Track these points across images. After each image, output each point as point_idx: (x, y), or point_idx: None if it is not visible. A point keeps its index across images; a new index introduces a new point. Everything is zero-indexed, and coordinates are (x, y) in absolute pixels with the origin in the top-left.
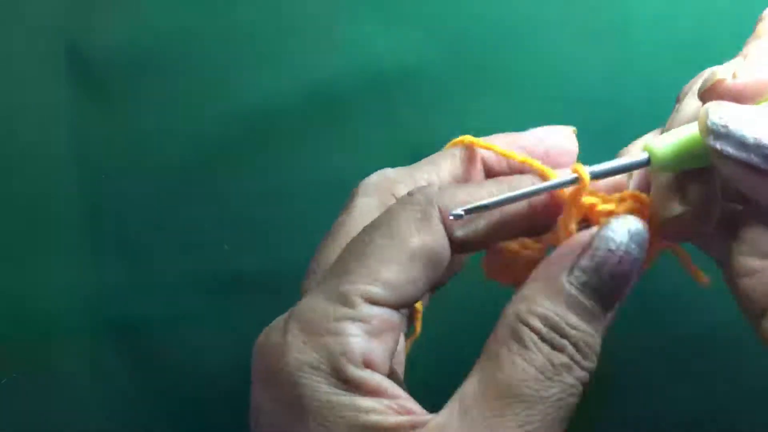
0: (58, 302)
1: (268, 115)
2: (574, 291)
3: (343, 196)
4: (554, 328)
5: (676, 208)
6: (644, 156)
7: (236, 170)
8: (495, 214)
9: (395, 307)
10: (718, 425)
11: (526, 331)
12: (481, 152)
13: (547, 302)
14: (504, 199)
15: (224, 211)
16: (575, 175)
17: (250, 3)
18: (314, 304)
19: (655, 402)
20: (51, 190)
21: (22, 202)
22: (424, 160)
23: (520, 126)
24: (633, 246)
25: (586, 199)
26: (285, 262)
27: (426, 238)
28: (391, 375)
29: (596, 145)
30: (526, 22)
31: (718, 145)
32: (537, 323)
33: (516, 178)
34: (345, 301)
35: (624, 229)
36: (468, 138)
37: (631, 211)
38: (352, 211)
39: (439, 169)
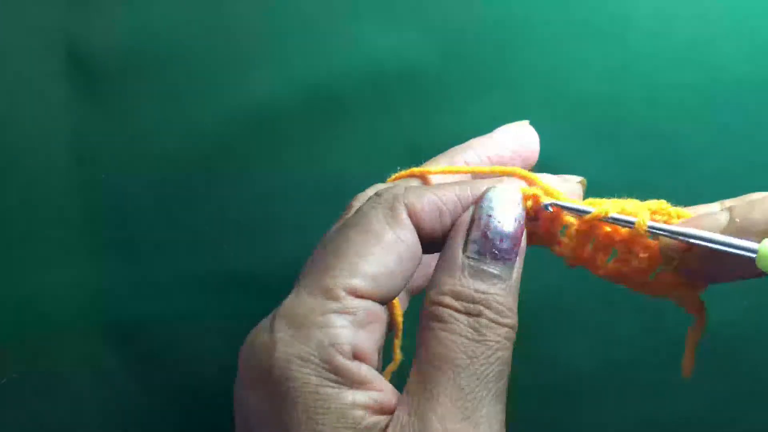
0: (58, 302)
1: (268, 115)
2: (472, 262)
3: (343, 196)
4: (465, 298)
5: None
6: (753, 251)
7: (236, 170)
8: (459, 207)
9: (377, 299)
10: (718, 425)
11: (441, 309)
12: (464, 155)
13: (452, 279)
14: (583, 210)
15: (224, 211)
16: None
17: (250, 3)
18: (299, 300)
19: (655, 402)
20: (51, 190)
21: (22, 202)
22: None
23: None
24: (508, 206)
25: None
26: (284, 262)
27: (398, 231)
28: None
29: (596, 145)
30: (526, 22)
31: None
32: (449, 300)
33: (483, 181)
34: (329, 294)
35: (498, 196)
36: (416, 170)
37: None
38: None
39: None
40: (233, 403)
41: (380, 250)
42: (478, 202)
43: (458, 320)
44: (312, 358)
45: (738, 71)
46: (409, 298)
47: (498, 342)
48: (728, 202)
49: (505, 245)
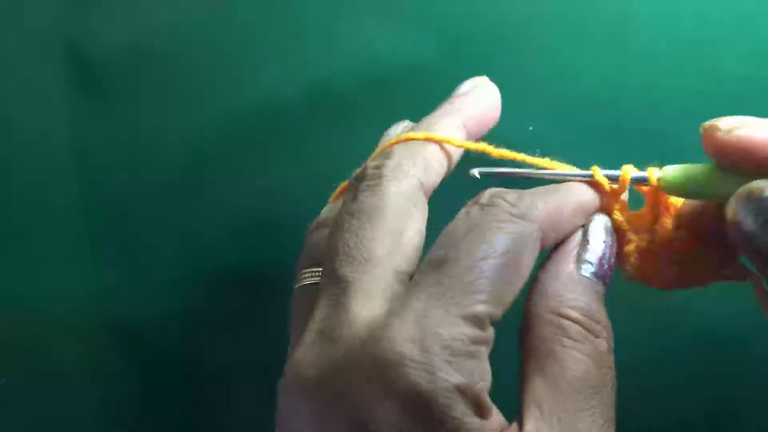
0: (58, 302)
1: (268, 114)
2: (591, 281)
3: None
4: (590, 316)
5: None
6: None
7: (236, 170)
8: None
9: None
10: (717, 425)
11: (569, 324)
12: (454, 119)
13: (575, 294)
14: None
15: (224, 210)
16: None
17: (250, 2)
18: (450, 321)
19: (655, 402)
20: (51, 190)
21: (22, 202)
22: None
23: (520, 125)
24: (611, 237)
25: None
26: (285, 262)
27: (530, 257)
28: None
29: (596, 145)
30: (526, 22)
31: (741, 216)
32: (577, 315)
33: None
34: (479, 323)
35: (604, 225)
36: (435, 137)
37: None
38: (386, 196)
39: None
40: (310, 403)
41: (517, 279)
42: (590, 227)
43: (587, 340)
44: (467, 390)
45: (738, 71)
46: None
47: (613, 366)
48: None
49: (608, 270)
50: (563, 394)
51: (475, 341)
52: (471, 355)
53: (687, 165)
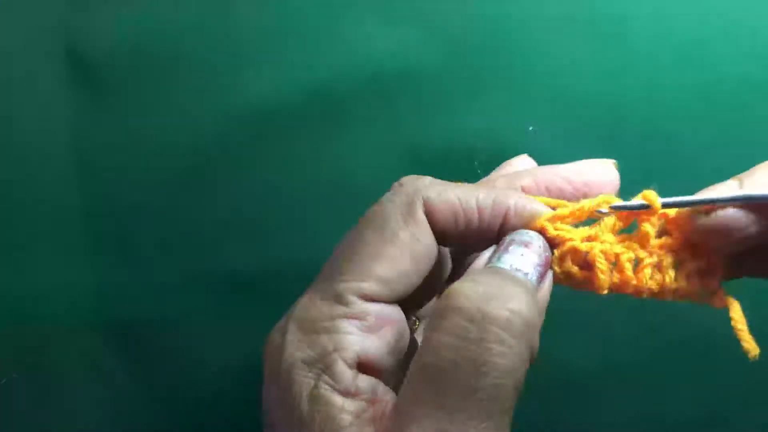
0: (58, 302)
1: (268, 115)
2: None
3: (343, 195)
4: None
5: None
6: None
7: (236, 170)
8: (475, 214)
9: (390, 301)
10: (717, 425)
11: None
12: (522, 181)
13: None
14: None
15: (224, 211)
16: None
17: (250, 3)
18: (310, 303)
19: (655, 402)
20: (51, 190)
21: (22, 202)
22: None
23: (520, 125)
24: (536, 253)
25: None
26: (285, 262)
27: (414, 230)
28: (392, 370)
29: (596, 145)
30: (526, 22)
31: None
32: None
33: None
34: (340, 299)
35: (530, 240)
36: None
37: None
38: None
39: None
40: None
41: (395, 251)
42: (507, 236)
43: (456, 329)
44: (315, 362)
45: (738, 71)
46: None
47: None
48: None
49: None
50: (424, 372)
51: (335, 317)
52: (325, 330)
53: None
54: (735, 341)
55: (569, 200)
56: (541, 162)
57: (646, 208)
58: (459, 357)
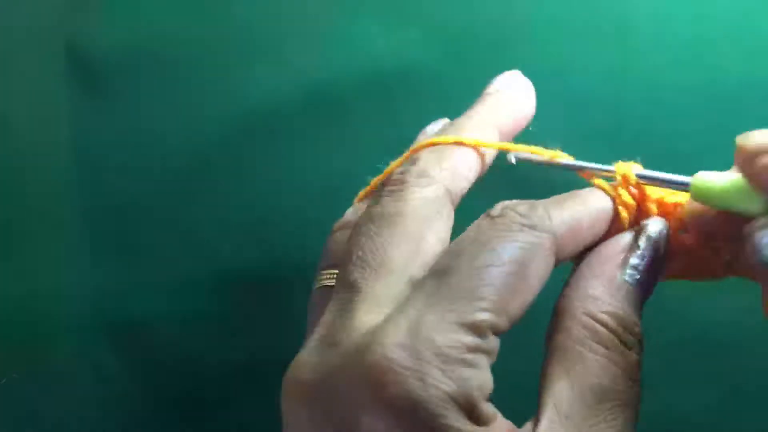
0: (58, 302)
1: (267, 115)
2: (631, 289)
3: (343, 195)
4: (626, 326)
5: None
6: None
7: (236, 170)
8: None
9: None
10: (718, 425)
11: (604, 331)
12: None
13: (615, 301)
14: (568, 165)
15: (224, 210)
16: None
17: (249, 3)
18: (446, 327)
19: (655, 402)
20: (51, 190)
21: (22, 202)
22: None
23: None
24: (665, 246)
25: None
26: (285, 262)
27: (541, 266)
28: None
29: (596, 145)
30: (526, 22)
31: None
32: (613, 323)
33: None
34: (478, 330)
35: (660, 232)
36: (467, 141)
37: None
38: (409, 202)
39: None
40: (303, 408)
41: (524, 288)
42: (644, 230)
43: (618, 350)
44: (459, 398)
45: (738, 71)
46: None
47: (638, 382)
48: None
49: (654, 280)
50: (585, 402)
51: (472, 350)
52: (466, 363)
53: (720, 175)
54: (734, 341)
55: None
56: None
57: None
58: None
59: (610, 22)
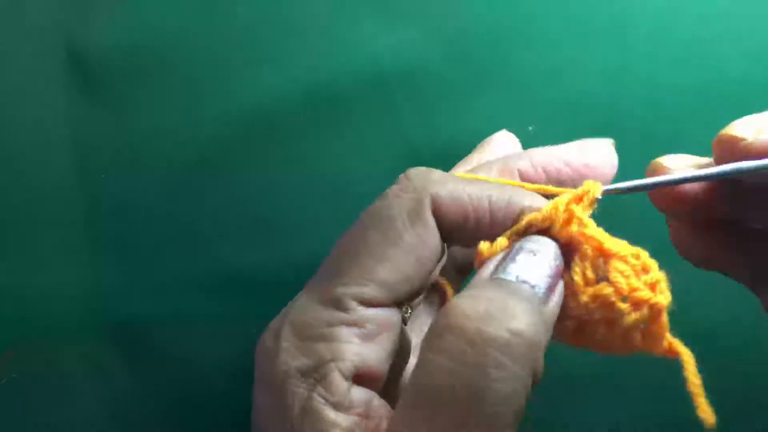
0: (58, 302)
1: (268, 115)
2: (504, 285)
3: (343, 195)
4: (478, 331)
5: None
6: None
7: (236, 170)
8: (487, 215)
9: (390, 305)
10: (718, 425)
11: (446, 334)
12: (518, 163)
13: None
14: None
15: (224, 211)
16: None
17: (249, 3)
18: (308, 306)
19: (655, 402)
20: (51, 190)
21: (22, 202)
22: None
23: (520, 126)
24: (549, 262)
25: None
26: (285, 262)
27: (420, 231)
28: (390, 378)
29: None
30: (526, 22)
31: None
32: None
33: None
34: (339, 304)
35: (542, 248)
36: (466, 176)
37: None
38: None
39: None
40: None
41: (399, 254)
42: (519, 240)
43: (462, 356)
44: (311, 372)
45: (738, 71)
46: (461, 278)
47: (487, 387)
48: None
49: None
50: (418, 395)
51: (333, 324)
52: (323, 338)
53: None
54: (734, 341)
55: (567, 184)
56: None
57: (641, 189)
58: (455, 381)
59: (609, 23)
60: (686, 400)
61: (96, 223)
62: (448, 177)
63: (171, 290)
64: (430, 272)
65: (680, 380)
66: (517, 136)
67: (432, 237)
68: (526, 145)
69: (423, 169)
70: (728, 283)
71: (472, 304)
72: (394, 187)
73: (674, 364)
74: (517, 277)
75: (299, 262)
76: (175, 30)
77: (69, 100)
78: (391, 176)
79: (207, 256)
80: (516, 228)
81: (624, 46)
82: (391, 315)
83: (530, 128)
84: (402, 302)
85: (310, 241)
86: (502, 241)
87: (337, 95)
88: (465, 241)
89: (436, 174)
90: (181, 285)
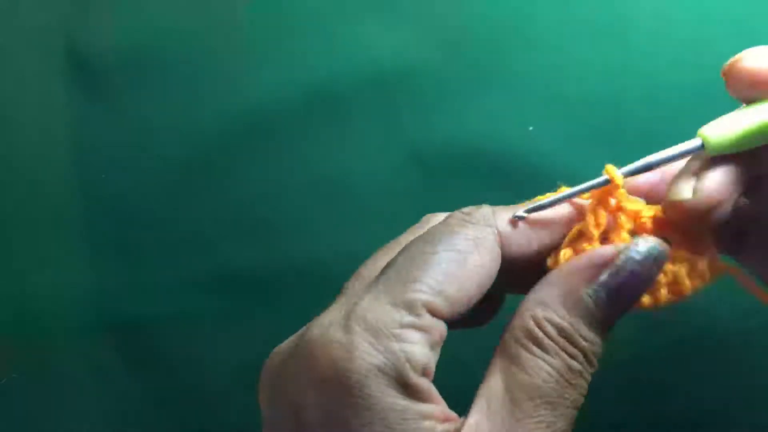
0: (58, 302)
1: (268, 114)
2: (591, 305)
3: (343, 195)
4: (569, 338)
5: (684, 193)
6: (697, 142)
7: (236, 170)
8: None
9: (447, 320)
10: (718, 426)
11: (542, 336)
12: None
13: (564, 312)
14: (553, 200)
15: (224, 211)
16: (606, 176)
17: (250, 3)
18: (379, 307)
19: (655, 402)
20: (51, 190)
21: (22, 202)
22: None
23: (520, 126)
24: (655, 270)
25: (631, 205)
26: (285, 262)
27: (484, 257)
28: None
29: (596, 145)
30: (526, 22)
31: None
32: (553, 332)
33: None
34: (411, 308)
35: (649, 252)
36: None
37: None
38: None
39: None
40: (263, 392)
41: (464, 275)
42: (626, 249)
43: (558, 354)
44: (388, 370)
45: None
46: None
47: (582, 388)
48: None
49: (628, 303)
50: (514, 398)
51: (405, 326)
52: (398, 338)
53: (722, 118)
54: (734, 341)
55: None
56: (541, 162)
57: (607, 183)
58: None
59: (609, 23)
60: (687, 400)
61: (96, 223)
62: (502, 208)
63: (171, 290)
64: (483, 293)
65: (680, 380)
66: (517, 136)
67: (494, 264)
68: (526, 145)
69: (479, 206)
70: (729, 283)
71: None
72: (454, 220)
73: (673, 364)
74: None
75: (299, 262)
76: (175, 30)
77: (69, 100)
78: (391, 176)
79: (207, 256)
80: (570, 236)
81: (624, 45)
82: (445, 329)
83: (530, 128)
84: (454, 320)
85: (310, 241)
86: (566, 253)
87: (337, 95)
88: (528, 262)
89: (489, 208)
90: (181, 285)
